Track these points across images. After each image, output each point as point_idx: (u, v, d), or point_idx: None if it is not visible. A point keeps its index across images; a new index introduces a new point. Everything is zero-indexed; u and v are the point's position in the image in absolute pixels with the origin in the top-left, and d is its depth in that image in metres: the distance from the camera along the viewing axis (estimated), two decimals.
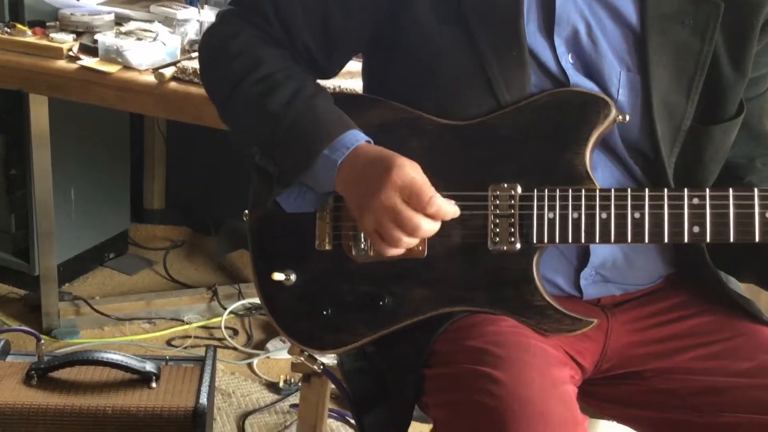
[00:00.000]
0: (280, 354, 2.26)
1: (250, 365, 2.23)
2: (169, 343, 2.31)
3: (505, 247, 1.01)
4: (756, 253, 1.03)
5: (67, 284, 2.51)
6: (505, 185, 1.01)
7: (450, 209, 0.97)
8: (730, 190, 0.95)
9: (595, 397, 1.13)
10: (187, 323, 2.41)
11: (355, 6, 1.06)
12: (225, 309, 2.44)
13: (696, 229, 0.95)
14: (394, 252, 0.98)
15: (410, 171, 0.97)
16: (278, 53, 1.09)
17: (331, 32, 1.09)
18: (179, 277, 2.63)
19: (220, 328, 2.38)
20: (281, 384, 2.13)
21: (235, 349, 2.31)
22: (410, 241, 0.97)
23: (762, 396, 0.99)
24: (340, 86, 1.74)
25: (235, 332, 2.38)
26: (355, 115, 1.06)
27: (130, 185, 2.69)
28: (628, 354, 1.09)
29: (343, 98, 1.10)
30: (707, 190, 0.96)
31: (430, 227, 0.96)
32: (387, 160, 0.98)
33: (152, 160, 2.84)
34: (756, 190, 0.94)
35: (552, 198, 0.99)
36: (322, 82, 1.13)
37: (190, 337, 2.34)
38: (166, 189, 2.89)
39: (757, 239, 0.94)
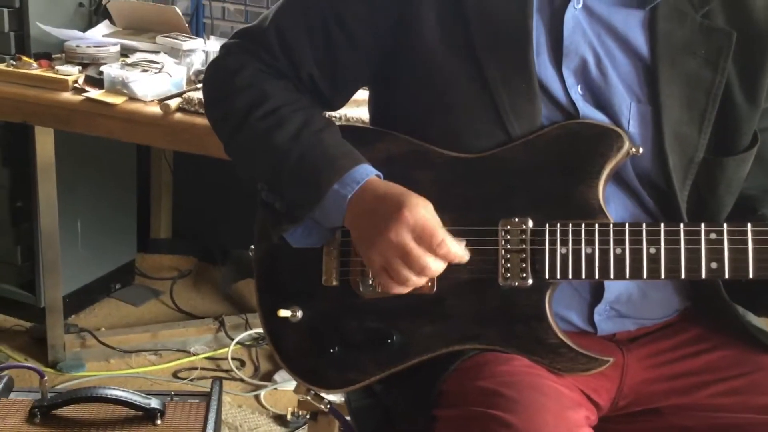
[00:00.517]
0: (287, 385, 2.23)
1: (257, 397, 2.21)
2: (175, 375, 2.29)
3: (516, 283, 0.98)
4: None
5: (73, 316, 2.50)
6: (516, 219, 0.99)
7: (459, 252, 0.96)
8: (749, 225, 0.92)
9: None
10: (194, 354, 2.38)
11: (361, 37, 1.05)
12: (232, 339, 2.41)
13: (714, 265, 0.93)
14: (401, 290, 0.97)
15: (423, 210, 0.95)
16: (284, 86, 1.08)
17: (337, 64, 1.07)
18: (186, 307, 2.61)
19: (227, 359, 2.35)
20: (289, 417, 2.10)
21: (242, 380, 2.28)
22: (417, 281, 0.95)
23: None
24: (346, 115, 1.74)
25: (242, 363, 2.36)
26: (363, 148, 1.04)
27: (136, 215, 2.69)
28: (645, 390, 1.07)
29: (351, 131, 1.08)
30: (725, 225, 0.93)
31: (438, 267, 0.95)
32: (399, 197, 0.96)
33: (159, 190, 2.84)
34: None
35: (564, 233, 0.97)
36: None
37: (197, 368, 2.32)
38: (172, 219, 2.88)
39: None
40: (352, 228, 1.00)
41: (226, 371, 2.31)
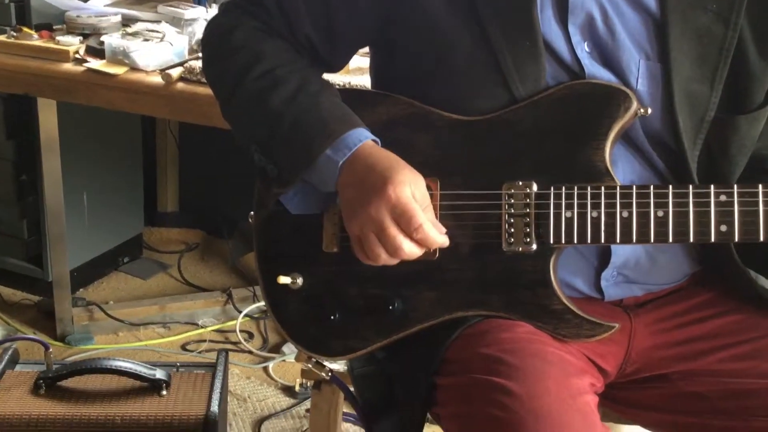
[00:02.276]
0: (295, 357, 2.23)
1: (265, 369, 2.20)
2: (183, 347, 2.29)
3: (520, 248, 0.96)
4: None
5: (81, 290, 2.50)
6: (520, 183, 0.96)
7: (438, 239, 0.94)
8: (760, 186, 0.89)
9: (618, 401, 1.09)
10: (202, 327, 2.38)
11: None
12: (240, 312, 2.41)
13: (723, 227, 0.90)
14: (371, 264, 0.96)
15: (408, 189, 0.93)
16: (281, 46, 1.05)
17: (334, 24, 1.04)
18: (194, 280, 2.60)
19: (235, 331, 2.35)
20: (297, 388, 2.09)
21: (250, 352, 2.28)
22: (388, 260, 0.94)
23: None
24: (350, 83, 1.71)
25: (251, 335, 2.35)
26: (363, 111, 1.02)
27: (143, 188, 2.67)
28: (652, 356, 1.05)
29: (350, 93, 1.06)
30: (735, 186, 0.90)
31: (411, 251, 0.93)
32: (387, 171, 0.94)
33: (165, 163, 2.82)
34: None
35: (569, 196, 0.94)
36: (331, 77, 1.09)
37: (205, 341, 2.31)
38: (179, 192, 2.87)
39: None
40: (341, 194, 0.98)
41: (235, 343, 2.31)
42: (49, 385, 1.44)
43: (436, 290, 1.00)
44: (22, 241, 2.37)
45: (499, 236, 0.97)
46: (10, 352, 1.54)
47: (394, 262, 0.95)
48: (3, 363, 1.49)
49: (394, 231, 0.92)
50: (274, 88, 1.01)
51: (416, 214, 0.92)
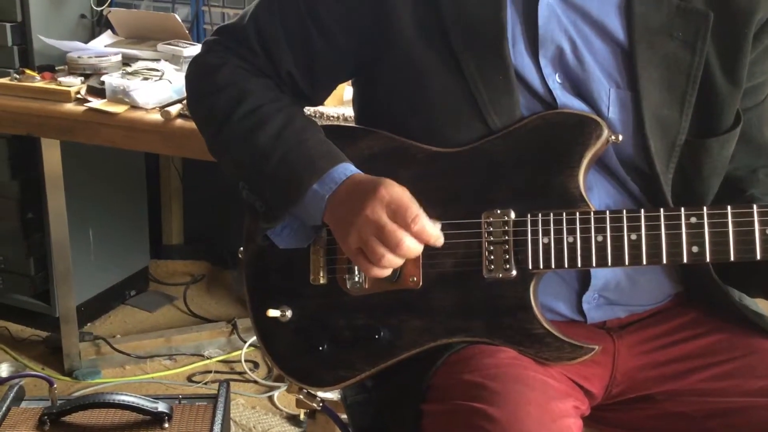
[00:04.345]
0: None
1: (270, 398, 2.22)
2: (189, 379, 2.31)
3: (500, 275, 0.98)
4: (761, 268, 0.99)
5: (89, 324, 2.53)
6: (498, 211, 0.99)
7: (434, 232, 0.95)
8: (729, 207, 0.91)
9: (607, 423, 1.10)
10: (208, 358, 2.40)
11: (338, 35, 1.05)
12: (245, 342, 2.43)
13: (695, 248, 0.92)
14: (378, 273, 0.96)
15: (399, 189, 0.95)
16: (265, 84, 1.08)
17: (315, 62, 1.08)
18: (199, 311, 2.63)
19: (240, 361, 2.37)
20: (302, 417, 2.11)
21: (255, 382, 2.29)
22: (393, 259, 0.94)
23: None
24: (344, 114, 1.75)
25: (256, 365, 2.37)
26: (345, 147, 1.05)
27: (148, 222, 2.71)
28: (637, 377, 1.06)
29: (333, 130, 1.09)
30: (705, 208, 0.92)
31: (413, 245, 0.94)
32: (376, 180, 0.97)
33: (169, 197, 2.86)
34: (755, 206, 0.90)
35: (546, 222, 0.97)
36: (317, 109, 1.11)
37: (210, 372, 2.34)
38: (184, 224, 2.91)
39: (758, 257, 0.90)
40: (331, 220, 1.00)
41: (240, 373, 2.33)
42: (53, 420, 1.46)
43: (420, 318, 1.02)
44: (29, 277, 2.41)
45: (480, 264, 0.99)
46: (15, 389, 1.57)
47: (398, 262, 0.95)
48: (8, 400, 1.51)
49: (393, 226, 0.93)
50: (261, 127, 1.04)
51: (411, 206, 0.94)
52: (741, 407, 0.98)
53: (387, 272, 0.96)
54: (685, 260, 0.92)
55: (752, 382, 0.99)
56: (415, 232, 0.93)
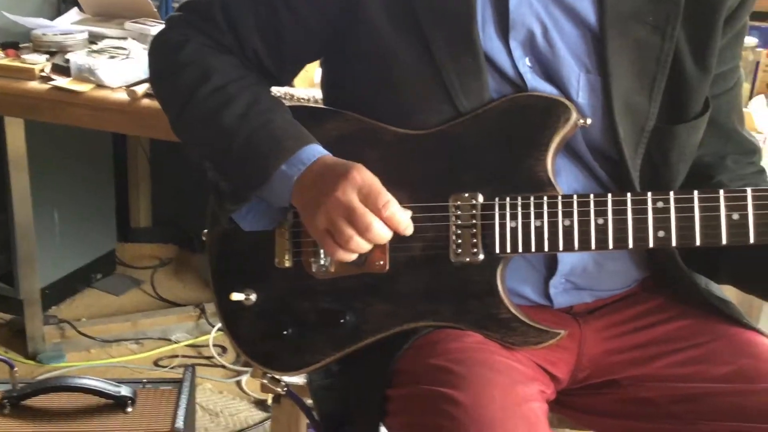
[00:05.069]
0: None
1: (238, 383, 2.20)
2: (156, 363, 2.29)
3: (467, 259, 0.98)
4: (728, 254, 0.99)
5: (54, 307, 2.49)
6: (466, 195, 0.98)
7: (404, 219, 0.94)
8: (695, 192, 0.91)
9: (573, 408, 1.10)
10: (175, 342, 2.38)
11: (306, 14, 1.03)
12: (213, 326, 2.41)
13: (661, 233, 0.92)
14: (343, 256, 0.94)
15: (371, 174, 0.94)
16: (230, 61, 1.06)
17: (282, 41, 1.06)
18: (167, 295, 2.60)
19: (208, 346, 2.35)
20: (270, 402, 2.09)
21: (223, 367, 2.28)
22: (360, 243, 0.93)
23: (740, 402, 0.96)
24: (314, 96, 1.72)
25: (224, 350, 2.35)
26: (312, 128, 1.03)
27: (115, 204, 2.67)
28: (603, 362, 1.06)
29: (300, 110, 1.07)
30: (671, 193, 0.92)
31: (381, 230, 0.92)
32: (348, 164, 0.95)
33: (136, 178, 2.82)
34: (721, 191, 0.90)
35: (514, 206, 0.96)
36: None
37: (177, 356, 2.31)
38: (152, 207, 2.87)
39: (723, 242, 0.90)
40: (299, 202, 0.98)
41: (208, 358, 2.31)
42: (13, 404, 1.43)
43: (387, 302, 1.01)
44: None
45: (447, 248, 0.98)
46: None
47: (366, 247, 0.94)
48: None
49: (363, 209, 0.92)
50: (226, 105, 1.02)
51: (383, 192, 0.93)
52: (705, 393, 0.99)
53: (353, 256, 0.95)
54: (651, 245, 0.92)
55: (716, 368, 1.00)
56: (385, 218, 0.92)
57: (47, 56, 1.94)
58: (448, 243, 0.98)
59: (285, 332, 1.03)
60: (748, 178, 1.07)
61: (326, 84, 1.15)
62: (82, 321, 2.41)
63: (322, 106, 1.12)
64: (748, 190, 0.89)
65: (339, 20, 1.02)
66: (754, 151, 1.10)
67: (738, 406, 0.96)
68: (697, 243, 0.91)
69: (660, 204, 0.92)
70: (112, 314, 2.48)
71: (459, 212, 0.98)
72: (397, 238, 0.98)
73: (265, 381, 1.08)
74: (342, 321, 1.01)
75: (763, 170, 1.10)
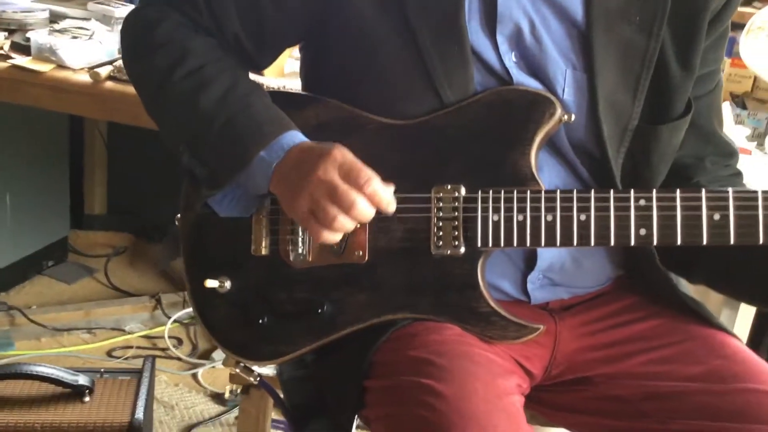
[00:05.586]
0: None
1: (194, 376, 2.17)
2: (109, 354, 2.23)
3: (448, 251, 0.97)
4: (705, 255, 1.00)
5: (2, 293, 2.42)
6: (449, 187, 0.97)
7: (386, 195, 0.92)
8: (677, 191, 0.92)
9: (545, 404, 1.10)
10: (129, 333, 2.32)
11: None
12: (169, 318, 2.36)
13: (643, 231, 0.92)
14: (328, 237, 0.92)
15: (349, 152, 0.93)
16: (208, 43, 1.03)
17: (262, 25, 1.03)
18: (121, 285, 2.54)
19: (163, 337, 2.30)
20: (227, 395, 2.06)
21: (179, 359, 2.23)
22: (345, 222, 0.90)
23: (711, 402, 0.97)
24: (284, 86, 1.70)
25: (180, 342, 2.31)
26: (292, 114, 1.01)
27: (69, 190, 2.60)
28: (577, 359, 1.06)
29: (280, 96, 1.05)
30: (654, 191, 0.93)
31: (365, 208, 0.90)
32: (327, 144, 0.93)
33: (92, 164, 2.74)
34: (703, 191, 0.91)
35: (497, 200, 0.96)
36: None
37: (131, 347, 2.26)
38: (107, 194, 2.80)
39: (704, 242, 0.91)
40: (278, 188, 0.96)
41: (163, 350, 2.27)
42: None
43: (365, 293, 0.99)
44: None
45: (428, 239, 0.97)
46: None
47: (350, 225, 0.91)
48: None
49: (346, 186, 0.90)
50: (203, 88, 0.99)
51: (364, 168, 0.91)
52: (676, 392, 1.00)
53: (338, 237, 0.93)
54: (633, 242, 0.93)
55: (688, 368, 1.01)
56: (368, 194, 0.90)
57: (6, 34, 1.88)
58: (429, 235, 0.97)
59: (260, 321, 1.01)
60: (725, 180, 1.09)
61: (305, 69, 1.13)
62: (33, 308, 2.34)
63: (303, 92, 1.10)
64: (730, 190, 0.90)
65: (322, 6, 1.00)
66: (731, 153, 1.12)
67: (709, 406, 0.97)
68: (678, 242, 0.92)
69: (642, 202, 0.92)
70: (64, 303, 2.41)
71: (441, 204, 0.97)
72: (378, 227, 0.97)
73: (237, 371, 1.06)
74: (319, 311, 1.00)
75: (739, 173, 1.12)
